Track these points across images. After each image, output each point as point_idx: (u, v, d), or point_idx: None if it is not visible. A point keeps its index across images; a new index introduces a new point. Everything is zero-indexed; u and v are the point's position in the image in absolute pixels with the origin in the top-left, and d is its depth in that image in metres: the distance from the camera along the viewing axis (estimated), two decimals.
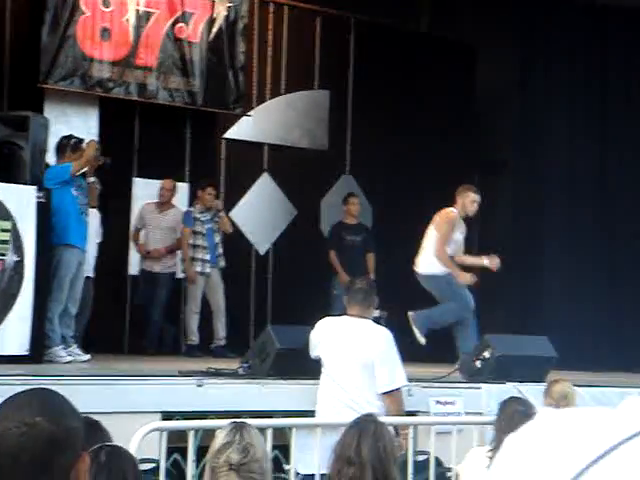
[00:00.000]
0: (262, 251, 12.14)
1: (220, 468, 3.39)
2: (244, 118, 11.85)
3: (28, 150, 8.16)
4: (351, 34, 12.69)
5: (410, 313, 9.09)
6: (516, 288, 12.21)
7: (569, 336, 10.91)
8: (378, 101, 12.54)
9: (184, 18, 11.11)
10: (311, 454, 5.66)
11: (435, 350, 9.46)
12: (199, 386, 7.11)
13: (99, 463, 3.16)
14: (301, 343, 7.06)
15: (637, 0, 12.15)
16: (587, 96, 12.35)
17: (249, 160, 12.09)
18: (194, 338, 10.55)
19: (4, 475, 1.80)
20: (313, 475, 5.72)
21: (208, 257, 10.56)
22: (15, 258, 7.69)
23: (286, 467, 6.19)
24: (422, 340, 8.98)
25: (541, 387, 7.07)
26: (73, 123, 10.47)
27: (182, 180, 11.49)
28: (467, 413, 7.58)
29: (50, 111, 10.23)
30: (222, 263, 10.68)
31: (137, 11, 10.83)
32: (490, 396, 7.65)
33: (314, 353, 6.95)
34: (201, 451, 5.11)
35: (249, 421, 3.79)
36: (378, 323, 7.20)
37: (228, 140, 11.93)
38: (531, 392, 7.51)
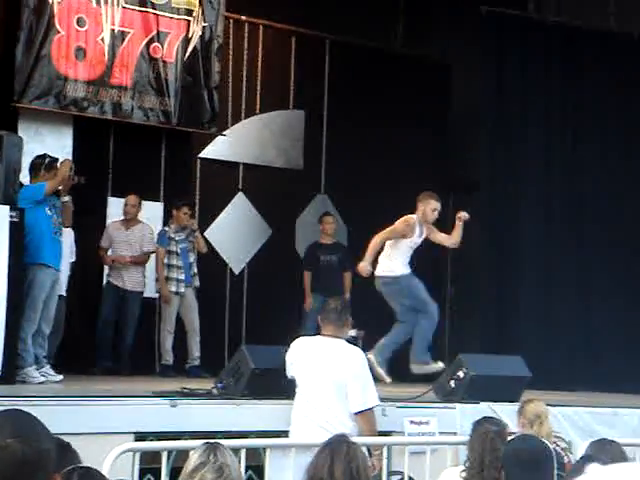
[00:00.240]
0: (237, 270, 12.13)
1: None
2: (219, 137, 11.86)
3: (2, 169, 8.12)
4: (326, 54, 12.74)
5: (370, 356, 9.00)
6: (490, 307, 12.24)
7: (543, 356, 10.96)
8: (353, 121, 12.58)
9: (159, 38, 11.13)
10: (286, 474, 5.64)
11: (409, 369, 9.46)
12: (173, 406, 7.08)
13: None
14: (275, 363, 7.06)
15: (605, 24, 12.36)
16: (562, 114, 12.43)
17: (224, 179, 12.09)
18: (168, 358, 10.51)
19: None
20: None
21: (183, 277, 10.54)
22: None
23: None
24: (387, 380, 8.87)
25: (515, 407, 7.10)
26: (47, 142, 10.44)
27: (157, 199, 11.48)
28: (441, 433, 7.58)
29: (24, 130, 10.20)
30: (197, 283, 10.66)
31: (112, 31, 10.83)
32: (464, 416, 7.66)
33: (290, 373, 6.95)
34: (175, 472, 5.08)
35: (223, 442, 3.78)
36: (354, 343, 7.21)
37: (203, 159, 11.93)
38: (505, 412, 7.53)
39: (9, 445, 1.79)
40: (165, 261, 10.54)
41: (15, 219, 7.88)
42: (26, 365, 8.16)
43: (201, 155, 11.90)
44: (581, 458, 4.54)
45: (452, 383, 8.22)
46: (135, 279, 10.50)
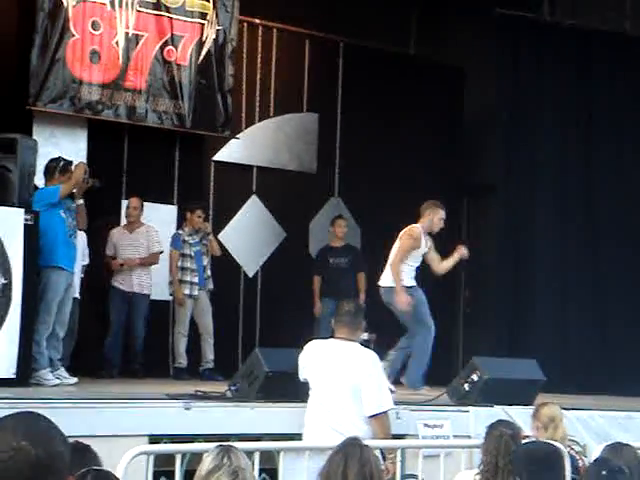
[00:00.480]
0: (251, 273, 12.13)
1: None
2: (233, 141, 11.87)
3: (16, 172, 8.16)
4: (340, 57, 12.74)
5: (404, 380, 9.09)
6: (504, 311, 12.21)
7: (557, 359, 10.93)
8: (366, 124, 12.58)
9: (173, 41, 11.15)
10: (300, 477, 5.64)
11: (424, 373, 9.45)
12: (187, 409, 7.09)
13: None
14: (289, 366, 7.05)
15: (617, 25, 12.31)
16: (576, 116, 12.41)
17: (238, 183, 12.10)
18: (182, 361, 10.52)
19: None
20: None
21: (196, 280, 10.55)
22: (2, 281, 7.67)
23: None
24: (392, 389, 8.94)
25: (529, 410, 7.07)
26: (62, 145, 10.46)
27: (171, 202, 11.49)
28: (455, 436, 7.57)
29: (39, 133, 10.23)
30: (210, 286, 10.66)
31: (126, 34, 10.85)
32: (478, 419, 7.65)
33: (302, 376, 6.95)
34: (188, 475, 5.09)
35: (236, 444, 3.78)
36: (367, 346, 7.20)
37: (217, 162, 11.94)
38: (519, 415, 7.51)
39: (23, 447, 1.80)
40: (179, 264, 10.54)
41: (30, 222, 7.90)
42: (40, 368, 8.18)
43: (215, 158, 11.92)
44: (595, 461, 4.53)
45: (466, 386, 8.20)
46: (142, 281, 10.41)
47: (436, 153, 13.09)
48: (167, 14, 11.10)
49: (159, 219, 11.02)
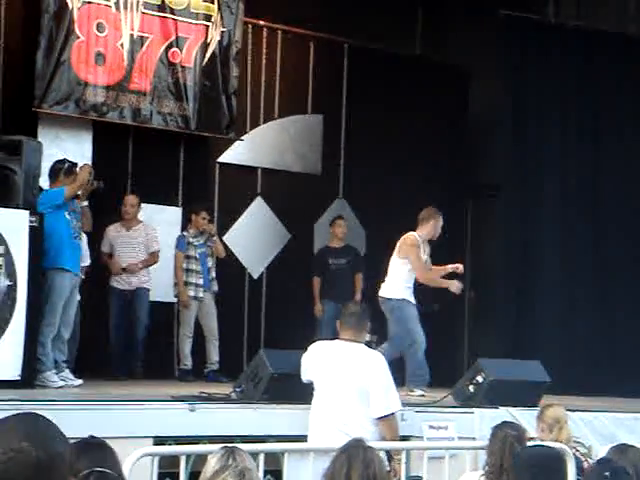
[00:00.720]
0: (255, 275, 12.14)
1: None
2: (238, 142, 11.87)
3: (21, 174, 8.17)
4: (344, 58, 12.74)
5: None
6: (509, 312, 12.20)
7: (562, 360, 10.92)
8: (371, 125, 12.57)
9: (178, 43, 11.15)
10: (304, 479, 5.64)
11: (429, 375, 9.44)
12: (192, 411, 7.09)
13: None
14: (294, 367, 7.05)
15: (621, 26, 12.33)
16: (580, 117, 12.40)
17: (242, 184, 12.11)
18: (187, 363, 10.52)
19: None
20: None
21: (201, 281, 10.54)
22: (7, 283, 7.68)
23: None
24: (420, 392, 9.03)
25: (534, 411, 7.07)
26: (67, 147, 10.47)
27: (176, 204, 11.50)
28: (460, 438, 7.56)
29: (44, 135, 10.24)
30: (215, 287, 10.66)
31: (131, 36, 10.87)
32: (483, 421, 7.65)
33: (306, 377, 6.94)
34: (193, 476, 5.09)
35: (241, 446, 3.78)
36: (369, 347, 7.20)
37: (221, 164, 11.95)
38: (524, 417, 7.51)
39: (23, 448, 1.80)
40: (184, 266, 10.54)
41: (35, 224, 7.91)
42: (45, 369, 8.19)
43: (220, 160, 11.92)
44: (598, 461, 4.52)
45: (471, 388, 8.20)
46: (140, 278, 10.28)
47: (441, 154, 13.09)
48: (172, 16, 11.11)
49: (164, 221, 11.02)
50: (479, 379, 8.17)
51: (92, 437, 3.45)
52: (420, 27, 13.70)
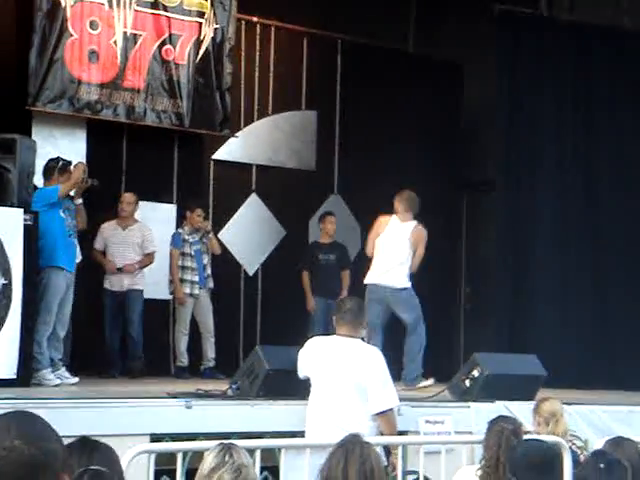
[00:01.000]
0: (251, 272, 12.14)
1: None
2: (232, 139, 11.87)
3: (15, 173, 8.16)
4: (338, 54, 12.74)
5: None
6: (505, 307, 12.21)
7: (558, 354, 10.92)
8: (365, 121, 12.57)
9: (171, 40, 11.14)
10: (301, 475, 5.64)
11: (425, 370, 9.46)
12: (188, 408, 7.09)
13: None
14: (290, 363, 7.06)
15: (613, 19, 12.33)
16: (575, 112, 12.40)
17: (237, 181, 12.11)
18: (183, 360, 10.52)
19: None
20: None
21: (197, 278, 10.54)
22: (3, 281, 7.68)
23: None
24: (429, 382, 9.11)
25: (530, 405, 7.08)
26: (61, 145, 10.47)
27: (170, 201, 11.49)
28: (456, 432, 7.57)
29: (38, 133, 10.23)
30: (211, 284, 10.66)
31: (124, 33, 10.85)
32: (479, 415, 7.65)
33: (302, 373, 6.94)
34: (190, 473, 5.09)
35: (238, 442, 3.78)
36: (366, 342, 7.21)
37: (216, 161, 11.94)
38: (520, 410, 7.51)
39: (16, 447, 1.80)
40: (179, 263, 10.54)
41: (29, 222, 7.91)
42: (42, 368, 8.19)
43: (214, 157, 11.92)
44: (592, 454, 4.53)
45: (467, 382, 8.21)
46: (133, 279, 10.22)
47: (435, 150, 13.08)
48: (165, 13, 11.09)
49: (158, 218, 11.02)
50: (475, 373, 8.18)
51: (85, 438, 3.43)
52: (413, 22, 13.70)
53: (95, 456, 3.36)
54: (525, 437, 5.30)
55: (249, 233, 12.07)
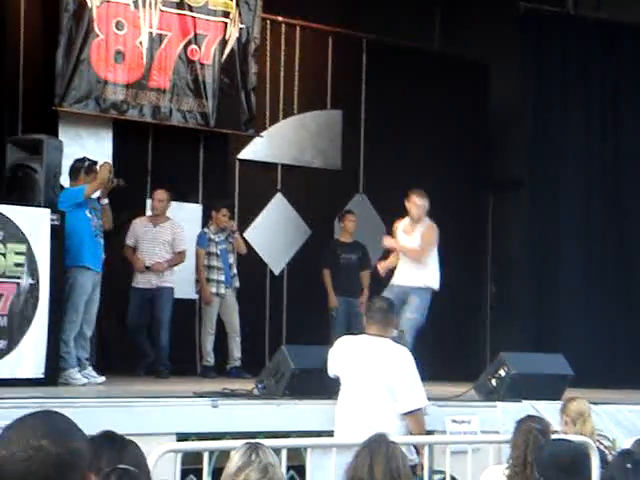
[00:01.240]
0: (277, 271, 12.14)
1: None
2: (257, 139, 11.88)
3: (42, 173, 8.21)
4: (363, 53, 12.72)
5: None
6: (531, 306, 12.16)
7: (585, 353, 10.87)
8: (390, 120, 12.55)
9: (196, 40, 11.17)
10: (327, 474, 5.64)
11: (450, 369, 9.44)
12: (214, 407, 7.11)
13: None
14: (316, 363, 7.06)
15: None
16: (602, 110, 12.33)
17: (262, 180, 12.11)
18: (209, 359, 10.53)
19: None
20: None
21: (223, 278, 10.55)
22: (30, 281, 7.72)
23: None
24: None
25: (557, 405, 7.05)
26: (87, 145, 10.50)
27: (196, 201, 11.51)
28: (483, 432, 7.55)
29: (64, 133, 10.27)
30: (237, 284, 10.67)
31: (150, 34, 10.88)
32: (506, 414, 7.63)
33: (332, 372, 6.94)
34: (216, 473, 5.09)
35: (264, 441, 3.78)
36: (397, 342, 7.19)
37: (241, 161, 11.96)
38: (547, 410, 7.48)
39: (43, 446, 1.81)
40: (205, 262, 10.55)
41: (56, 222, 7.95)
42: (69, 367, 8.23)
43: (239, 156, 11.93)
44: (619, 453, 4.50)
45: (493, 382, 8.19)
46: (162, 277, 10.11)
47: (461, 149, 13.04)
48: (190, 13, 11.11)
49: (184, 218, 11.02)
50: (502, 373, 8.16)
51: (112, 433, 3.44)
52: (438, 21, 13.67)
53: (124, 454, 3.37)
54: (552, 437, 5.28)
55: (274, 233, 12.07)
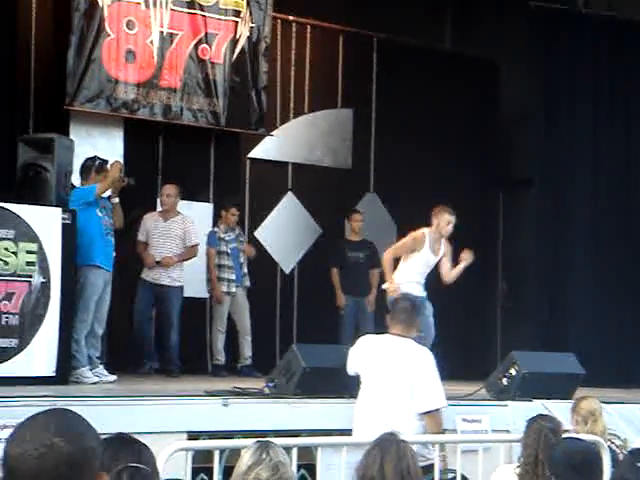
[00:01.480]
0: (287, 270, 12.15)
1: None
2: (268, 138, 11.88)
3: (53, 172, 8.23)
4: (373, 52, 12.72)
5: None
6: (542, 305, 12.15)
7: (596, 353, 10.86)
8: (401, 119, 12.54)
9: (207, 39, 11.18)
10: (338, 473, 5.64)
11: (461, 368, 9.43)
12: (225, 406, 7.12)
13: None
14: (327, 361, 7.08)
15: None
16: (612, 109, 12.31)
17: (273, 179, 12.11)
18: (220, 358, 10.54)
19: None
20: None
21: (233, 277, 10.56)
22: (41, 280, 7.74)
23: None
24: None
25: (568, 404, 7.04)
26: (98, 144, 10.52)
27: (207, 200, 11.52)
28: (494, 431, 7.54)
29: (75, 132, 10.30)
30: (247, 282, 10.68)
31: (161, 33, 10.90)
32: (517, 413, 7.62)
33: (352, 370, 6.95)
34: (227, 471, 5.10)
35: (275, 440, 3.79)
36: (421, 343, 7.19)
37: (252, 160, 11.96)
38: (558, 409, 7.47)
39: (55, 444, 1.81)
40: (216, 261, 10.56)
41: (67, 221, 7.97)
42: (80, 366, 8.24)
43: (250, 155, 11.93)
44: (630, 452, 4.50)
45: (504, 381, 8.18)
46: (172, 274, 10.09)
47: (472, 148, 13.03)
48: (201, 12, 11.13)
49: (195, 217, 11.01)
50: (513, 372, 8.15)
51: (122, 434, 3.44)
52: (449, 20, 13.65)
53: (132, 452, 3.37)
54: (564, 436, 5.28)
55: (285, 232, 12.08)
